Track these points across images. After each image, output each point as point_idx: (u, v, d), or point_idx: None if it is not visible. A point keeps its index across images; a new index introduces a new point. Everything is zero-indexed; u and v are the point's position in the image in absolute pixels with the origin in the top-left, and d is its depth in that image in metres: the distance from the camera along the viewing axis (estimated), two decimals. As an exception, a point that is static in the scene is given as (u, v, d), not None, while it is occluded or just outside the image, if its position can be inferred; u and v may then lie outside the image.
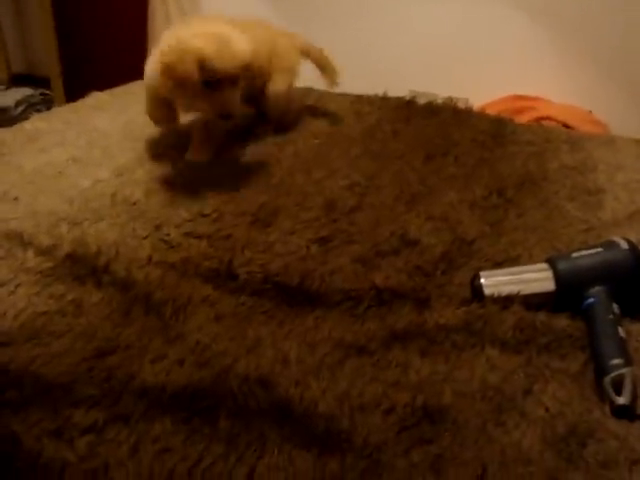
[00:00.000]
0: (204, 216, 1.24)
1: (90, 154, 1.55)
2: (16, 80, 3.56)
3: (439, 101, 1.90)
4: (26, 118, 3.24)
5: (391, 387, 0.85)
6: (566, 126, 2.08)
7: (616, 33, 2.39)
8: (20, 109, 3.37)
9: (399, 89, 2.02)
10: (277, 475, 0.72)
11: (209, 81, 1.25)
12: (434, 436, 0.78)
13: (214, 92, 1.26)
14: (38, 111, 3.37)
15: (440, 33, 2.69)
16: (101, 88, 2.01)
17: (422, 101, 1.90)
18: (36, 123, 1.72)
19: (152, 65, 1.36)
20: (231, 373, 0.84)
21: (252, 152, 1.57)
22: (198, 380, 0.83)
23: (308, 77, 2.08)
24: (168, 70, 1.24)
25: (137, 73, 2.79)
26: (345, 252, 1.14)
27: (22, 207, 1.27)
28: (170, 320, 0.96)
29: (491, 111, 2.06)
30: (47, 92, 3.53)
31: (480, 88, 2.48)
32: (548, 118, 2.13)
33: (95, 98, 1.91)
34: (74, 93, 3.19)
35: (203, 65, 1.22)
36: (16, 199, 1.31)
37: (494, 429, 0.80)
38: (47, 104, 3.45)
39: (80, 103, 1.88)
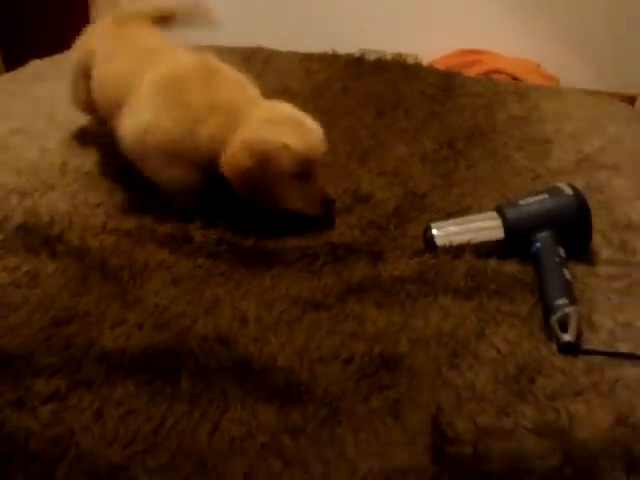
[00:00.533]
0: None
1: (35, 124, 1.51)
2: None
3: (388, 57, 1.90)
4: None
5: (348, 338, 0.87)
6: (515, 79, 2.11)
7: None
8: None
9: (348, 47, 2.02)
10: (240, 429, 0.74)
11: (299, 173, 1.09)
12: (392, 382, 0.81)
13: (303, 182, 1.10)
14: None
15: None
16: (38, 55, 1.94)
17: (372, 58, 1.89)
18: (-24, 93, 1.66)
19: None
20: (190, 333, 0.85)
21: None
22: (158, 342, 0.84)
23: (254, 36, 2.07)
24: (257, 165, 1.06)
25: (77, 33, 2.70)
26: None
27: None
28: (127, 285, 0.96)
29: (440, 66, 2.07)
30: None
31: (429, 44, 2.48)
32: (497, 71, 2.16)
33: (35, 67, 1.85)
34: (10, 60, 3.09)
35: (297, 160, 1.07)
36: (-39, 172, 1.28)
37: (448, 372, 0.83)
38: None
39: (20, 72, 1.82)
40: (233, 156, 1.07)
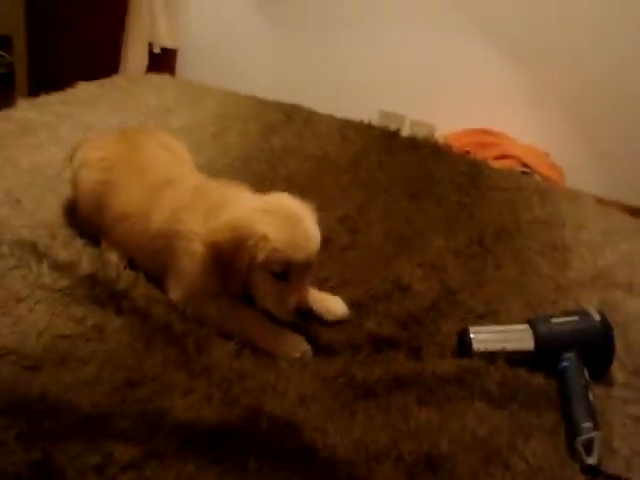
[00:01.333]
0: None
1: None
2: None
3: (415, 128, 2.02)
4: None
5: (397, 433, 0.95)
6: (526, 166, 2.25)
7: (579, 80, 2.55)
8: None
9: (370, 108, 2.13)
10: (304, 517, 0.81)
11: (277, 272, 1.05)
12: (435, 484, 0.89)
13: (279, 282, 1.06)
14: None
15: (413, 58, 2.79)
16: (66, 60, 1.94)
17: (398, 125, 2.00)
18: (25, 112, 1.71)
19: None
20: (260, 414, 0.91)
21: (243, 167, 1.63)
22: (229, 420, 0.90)
23: (292, 88, 2.16)
24: (222, 251, 1.05)
25: (108, 51, 2.74)
26: (342, 295, 1.22)
27: (28, 213, 1.28)
28: (192, 354, 1.02)
29: (458, 142, 2.20)
30: (3, 54, 3.37)
31: (446, 115, 2.62)
32: (509, 156, 2.29)
33: (84, 89, 1.91)
34: (35, 59, 3.08)
35: (273, 255, 1.03)
36: (19, 202, 1.32)
37: (484, 478, 0.92)
38: (4, 68, 3.30)
39: (69, 94, 1.87)
40: (213, 231, 1.06)
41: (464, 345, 1.14)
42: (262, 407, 0.92)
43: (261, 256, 1.03)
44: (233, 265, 1.04)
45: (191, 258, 1.10)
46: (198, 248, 1.09)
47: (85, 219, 1.27)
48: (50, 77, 2.67)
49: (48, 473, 0.79)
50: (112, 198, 1.22)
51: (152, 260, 1.17)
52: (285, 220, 1.06)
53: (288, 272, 1.05)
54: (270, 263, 1.04)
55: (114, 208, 1.21)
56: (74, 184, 1.30)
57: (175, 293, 1.12)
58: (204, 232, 1.09)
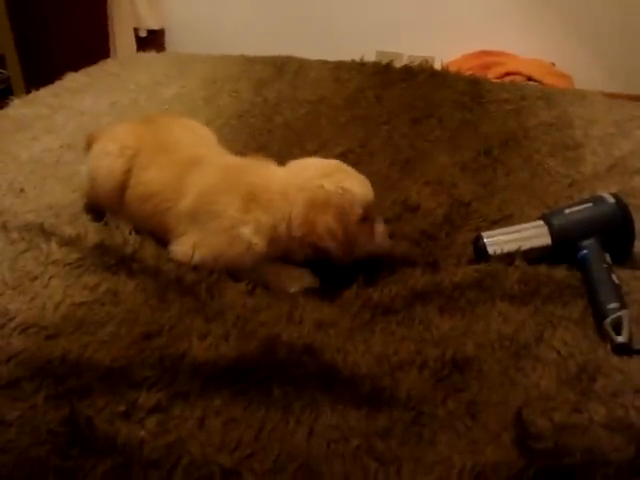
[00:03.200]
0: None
1: (83, 138, 1.56)
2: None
3: (406, 61, 1.97)
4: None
5: (420, 343, 0.94)
6: (531, 79, 2.18)
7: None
8: (-28, 89, 3.24)
9: (364, 50, 2.08)
10: (334, 433, 0.81)
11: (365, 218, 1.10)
12: (464, 385, 0.88)
13: (368, 226, 1.11)
14: (-11, 91, 3.26)
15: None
16: (60, 63, 1.97)
17: (396, 64, 1.95)
18: (19, 109, 1.72)
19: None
20: (277, 344, 0.91)
21: (239, 124, 1.62)
22: (247, 353, 0.90)
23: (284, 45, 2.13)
24: (338, 216, 1.06)
25: (97, 45, 2.76)
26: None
27: (32, 199, 1.30)
28: (206, 300, 1.02)
29: (459, 68, 2.13)
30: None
31: (445, 45, 2.55)
32: (514, 73, 2.22)
33: (72, 80, 1.91)
34: (30, 70, 3.12)
35: (366, 206, 1.09)
36: (22, 190, 1.34)
37: (515, 373, 0.90)
38: (1, 83, 3.34)
39: (58, 86, 1.88)
40: (307, 222, 1.05)
41: (480, 252, 1.12)
42: (278, 336, 0.92)
43: (359, 211, 1.08)
44: (348, 235, 1.06)
45: (233, 242, 1.09)
46: (244, 233, 1.07)
47: (105, 207, 1.24)
48: (47, 82, 2.71)
49: (78, 426, 0.80)
50: (136, 179, 1.20)
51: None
52: (341, 172, 1.12)
53: (368, 213, 1.10)
54: (363, 213, 1.09)
55: (137, 188, 1.19)
56: (93, 176, 1.25)
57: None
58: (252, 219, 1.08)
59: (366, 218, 1.09)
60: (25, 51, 3.07)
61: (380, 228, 1.12)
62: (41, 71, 3.07)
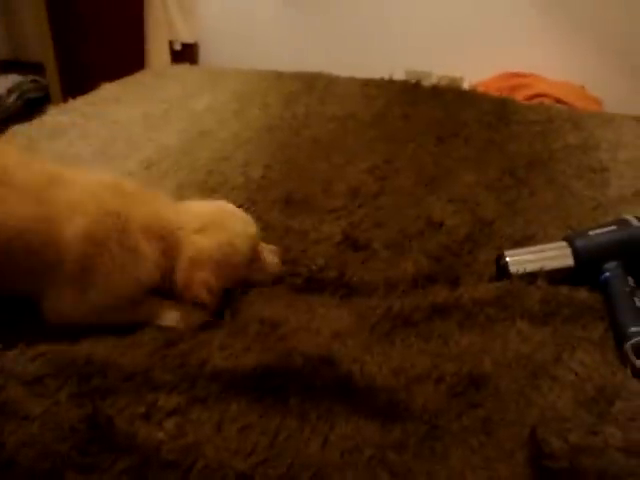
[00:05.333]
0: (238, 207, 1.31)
1: (114, 146, 1.61)
2: (1, 67, 3.42)
3: (442, 82, 1.98)
4: (19, 106, 3.26)
5: (437, 357, 0.95)
6: (560, 102, 2.18)
7: (608, 8, 2.47)
8: (13, 97, 3.31)
9: (395, 68, 2.10)
10: (348, 443, 0.82)
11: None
12: (480, 401, 0.88)
13: (258, 261, 1.12)
14: (30, 99, 3.35)
15: (434, 12, 2.75)
16: (96, 73, 2.03)
17: (425, 83, 1.97)
18: (56, 117, 1.77)
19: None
20: (295, 353, 0.92)
21: (267, 137, 1.65)
22: (264, 362, 0.92)
23: (315, 61, 2.16)
24: (218, 270, 1.05)
25: (133, 56, 2.83)
26: (375, 237, 1.22)
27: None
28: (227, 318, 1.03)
29: (487, 89, 2.15)
30: (38, 78, 3.49)
31: (474, 66, 2.56)
32: (543, 95, 2.22)
33: (107, 90, 1.96)
34: (68, 79, 3.21)
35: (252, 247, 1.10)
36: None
37: (531, 392, 0.90)
38: (40, 91, 3.41)
39: (94, 95, 1.93)
40: (184, 278, 1.02)
41: (502, 270, 1.12)
42: (295, 346, 0.93)
43: (245, 257, 1.08)
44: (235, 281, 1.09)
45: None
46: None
47: None
48: (84, 91, 2.79)
49: (99, 424, 0.82)
50: None
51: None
52: (223, 221, 1.09)
53: (256, 251, 1.11)
54: (250, 254, 1.09)
55: None
56: None
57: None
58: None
59: (254, 257, 1.10)
60: (64, 61, 3.16)
61: (269, 257, 1.13)
62: (78, 81, 3.16)
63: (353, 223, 1.27)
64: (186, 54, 2.93)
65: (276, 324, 1.01)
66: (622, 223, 1.11)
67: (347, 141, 1.61)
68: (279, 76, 2.04)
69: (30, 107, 3.21)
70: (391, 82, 1.97)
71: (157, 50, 2.75)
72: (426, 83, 1.98)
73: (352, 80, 1.98)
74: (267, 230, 1.24)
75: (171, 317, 1.04)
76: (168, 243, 1.04)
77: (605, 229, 1.12)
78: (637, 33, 2.51)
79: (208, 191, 1.36)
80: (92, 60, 3.05)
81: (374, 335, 0.99)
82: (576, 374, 0.93)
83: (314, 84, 1.94)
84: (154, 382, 0.90)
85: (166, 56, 2.81)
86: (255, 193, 1.36)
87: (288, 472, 0.78)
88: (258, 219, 1.26)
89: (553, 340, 0.99)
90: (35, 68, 3.38)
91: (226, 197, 1.33)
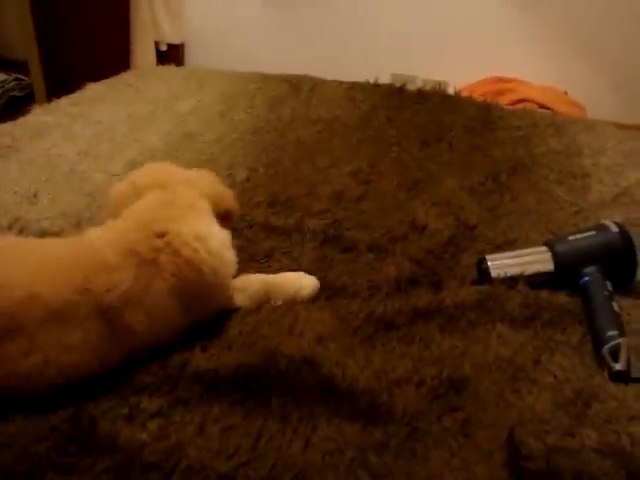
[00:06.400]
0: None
1: (99, 147, 1.61)
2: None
3: (427, 87, 1.99)
4: (2, 105, 3.23)
5: (419, 362, 0.96)
6: (543, 107, 2.20)
7: (593, 14, 2.50)
8: (-5, 96, 3.30)
9: (380, 71, 2.11)
10: (329, 445, 0.82)
11: None
12: (460, 404, 0.89)
13: None
14: (12, 98, 3.32)
15: (419, 16, 2.77)
16: (81, 73, 2.02)
17: (410, 86, 1.98)
18: (40, 117, 1.76)
19: None
20: (277, 355, 0.93)
21: (253, 139, 1.65)
22: (248, 363, 0.92)
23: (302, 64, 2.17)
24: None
25: (119, 57, 2.82)
26: (359, 239, 1.23)
27: (47, 205, 1.33)
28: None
29: (472, 93, 2.17)
30: (22, 77, 3.47)
31: (458, 70, 2.58)
32: (527, 100, 2.25)
33: (93, 90, 1.96)
34: (52, 78, 3.19)
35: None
36: (35, 196, 1.37)
37: (510, 395, 0.91)
38: (23, 90, 3.39)
39: (79, 95, 1.92)
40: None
41: (483, 274, 1.14)
42: (278, 348, 0.94)
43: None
44: None
45: None
46: None
47: None
48: (68, 91, 2.77)
49: (81, 424, 0.82)
50: None
51: None
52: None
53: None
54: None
55: None
56: None
57: None
58: None
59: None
60: (48, 60, 3.14)
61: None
62: (62, 80, 3.14)
63: (337, 225, 1.28)
64: (172, 55, 2.93)
65: (259, 324, 1.01)
66: (601, 228, 1.13)
67: (332, 144, 1.61)
68: (265, 78, 2.04)
69: (13, 106, 3.18)
70: (377, 86, 1.98)
71: (143, 51, 2.75)
72: (411, 87, 1.99)
73: (337, 83, 1.98)
74: (251, 229, 1.25)
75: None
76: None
77: (584, 234, 1.13)
78: (621, 39, 2.54)
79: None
80: (77, 60, 3.03)
81: (356, 338, 1.00)
82: (555, 377, 0.95)
83: (300, 87, 1.95)
84: (136, 385, 0.90)
85: (152, 57, 2.81)
86: (240, 195, 1.36)
87: (270, 474, 0.79)
88: (242, 219, 1.27)
89: (533, 343, 1.01)
90: (19, 67, 3.35)
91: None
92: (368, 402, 0.87)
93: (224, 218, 1.08)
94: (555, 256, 1.12)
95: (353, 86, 1.97)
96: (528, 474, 0.76)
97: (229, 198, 1.15)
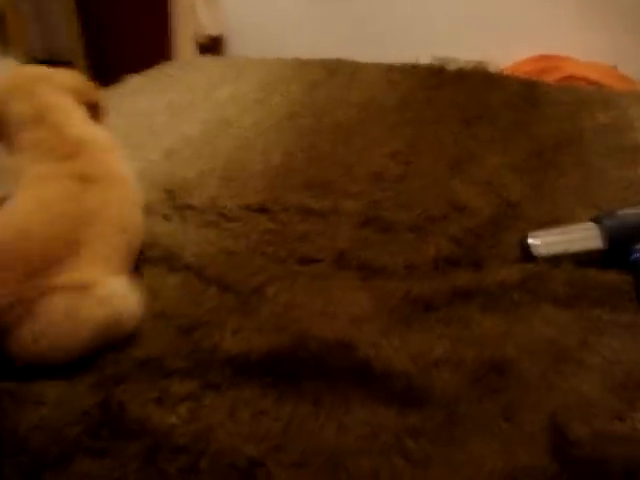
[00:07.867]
0: (258, 192, 1.30)
1: (136, 136, 1.61)
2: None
3: (463, 64, 1.93)
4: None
5: (458, 342, 0.92)
6: (593, 84, 2.11)
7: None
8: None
9: (422, 55, 2.05)
10: (364, 429, 0.79)
11: None
12: (502, 386, 0.85)
13: None
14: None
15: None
16: (123, 70, 2.04)
17: (450, 67, 1.93)
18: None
19: None
20: (309, 337, 0.90)
21: (289, 124, 1.63)
22: (279, 346, 0.90)
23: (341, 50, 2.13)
24: None
25: (159, 52, 2.84)
26: (397, 220, 1.20)
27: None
28: (248, 296, 1.02)
29: (517, 73, 2.09)
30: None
31: (501, 51, 2.49)
32: (574, 77, 2.16)
33: (133, 81, 1.97)
34: (98, 78, 3.24)
35: None
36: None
37: (554, 377, 0.86)
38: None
39: (120, 87, 1.94)
40: None
41: (527, 252, 1.09)
42: (309, 330, 0.91)
43: None
44: None
45: None
46: None
47: None
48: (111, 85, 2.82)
49: (111, 409, 0.81)
50: None
51: None
52: None
53: None
54: None
55: None
56: None
57: None
58: None
59: None
60: (90, 57, 3.19)
61: None
62: (106, 77, 3.20)
63: (375, 206, 1.25)
64: (211, 47, 2.94)
65: (290, 306, 0.99)
66: (653, 202, 1.06)
67: (369, 126, 1.58)
68: (302, 64, 2.02)
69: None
70: (415, 67, 1.93)
71: (183, 43, 2.77)
72: (452, 68, 1.93)
73: (376, 66, 1.94)
74: (287, 212, 1.22)
75: None
76: None
77: (635, 209, 1.07)
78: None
79: (226, 179, 1.35)
80: (119, 57, 3.07)
81: (392, 319, 0.96)
82: (603, 357, 0.89)
83: (337, 71, 1.92)
84: (166, 369, 0.89)
85: (192, 48, 2.82)
86: (274, 179, 1.35)
87: (301, 458, 0.76)
88: (276, 202, 1.25)
89: (579, 324, 0.95)
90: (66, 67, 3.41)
91: (244, 184, 1.33)
92: (404, 385, 0.84)
93: (92, 109, 1.15)
94: (604, 232, 1.06)
95: (391, 68, 1.92)
96: (573, 460, 0.71)
97: (90, 88, 1.20)
